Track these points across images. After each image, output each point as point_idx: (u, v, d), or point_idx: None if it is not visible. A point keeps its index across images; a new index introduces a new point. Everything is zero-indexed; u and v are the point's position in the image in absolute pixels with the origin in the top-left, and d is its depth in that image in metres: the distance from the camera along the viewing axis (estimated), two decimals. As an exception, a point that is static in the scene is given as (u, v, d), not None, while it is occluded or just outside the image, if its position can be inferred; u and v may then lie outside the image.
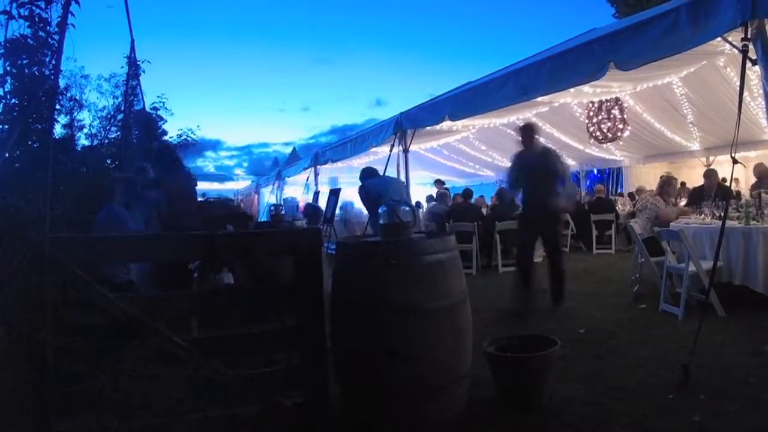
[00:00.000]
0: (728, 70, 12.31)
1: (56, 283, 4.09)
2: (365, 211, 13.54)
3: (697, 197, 12.27)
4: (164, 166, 8.96)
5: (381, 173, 13.46)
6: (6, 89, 6.86)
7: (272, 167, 39.36)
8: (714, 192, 11.87)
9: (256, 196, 37.74)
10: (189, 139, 17.97)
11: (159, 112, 16.06)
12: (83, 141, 14.09)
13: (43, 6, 6.91)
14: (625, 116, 15.10)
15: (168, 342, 4.16)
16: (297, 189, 28.28)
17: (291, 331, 4.81)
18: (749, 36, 6.15)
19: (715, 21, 6.33)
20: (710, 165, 19.15)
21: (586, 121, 15.92)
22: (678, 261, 9.13)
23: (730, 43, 6.83)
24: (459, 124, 14.00)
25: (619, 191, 24.84)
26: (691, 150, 20.40)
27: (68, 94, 12.61)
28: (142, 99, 14.69)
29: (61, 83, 10.37)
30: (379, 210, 6.22)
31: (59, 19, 6.69)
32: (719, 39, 6.77)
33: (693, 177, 19.64)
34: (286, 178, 28.73)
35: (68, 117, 12.91)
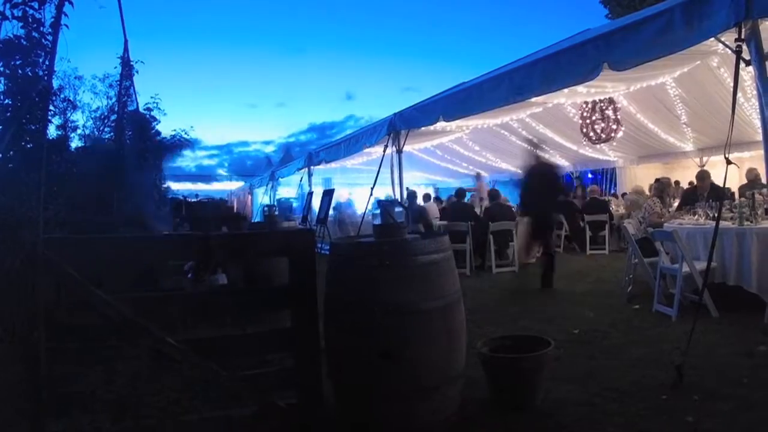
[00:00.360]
0: (722, 71, 12.32)
1: (50, 283, 4.08)
2: (359, 212, 13.56)
3: (690, 198, 12.29)
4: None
5: (374, 174, 13.52)
6: (-1, 90, 6.85)
7: (266, 167, 39.34)
8: (707, 193, 11.89)
9: (250, 197, 37.74)
10: (183, 139, 17.94)
11: (152, 113, 16.05)
12: (77, 142, 14.07)
13: (36, 6, 6.90)
14: (618, 117, 15.10)
15: (162, 343, 4.15)
16: (291, 190, 28.27)
17: (285, 331, 4.81)
18: (743, 36, 6.16)
19: (709, 21, 6.34)
20: (704, 165, 19.16)
21: (580, 121, 15.92)
22: (672, 262, 9.15)
23: (724, 44, 6.84)
24: (453, 124, 14.00)
25: (612, 192, 24.84)
26: (685, 151, 20.43)
27: (62, 95, 12.60)
28: (136, 99, 14.67)
29: (55, 84, 10.36)
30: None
31: (53, 19, 6.68)
32: (713, 39, 6.78)
33: (686, 177, 19.67)
34: (280, 179, 28.71)
35: (62, 118, 12.90)
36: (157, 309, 4.56)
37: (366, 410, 4.92)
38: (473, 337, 6.02)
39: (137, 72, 13.92)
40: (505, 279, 13.62)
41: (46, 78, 7.07)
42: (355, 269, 4.95)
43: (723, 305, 8.17)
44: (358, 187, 24.26)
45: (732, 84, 6.55)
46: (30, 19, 6.92)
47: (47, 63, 7.04)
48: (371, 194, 14.85)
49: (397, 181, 14.57)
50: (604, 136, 15.44)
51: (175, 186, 17.63)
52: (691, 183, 17.02)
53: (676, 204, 14.32)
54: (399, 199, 13.81)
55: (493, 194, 17.04)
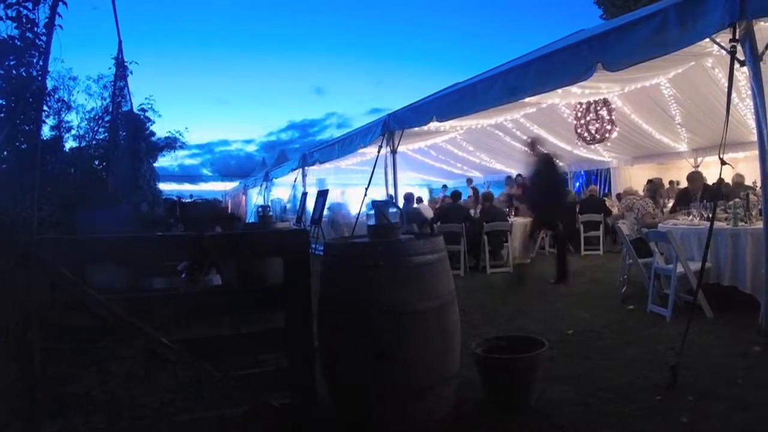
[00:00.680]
0: (716, 71, 12.33)
1: (44, 284, 4.07)
2: (353, 212, 13.58)
3: (684, 199, 12.29)
4: None
5: (369, 174, 13.54)
6: (-7, 90, 6.85)
7: (260, 168, 39.38)
8: (700, 194, 11.90)
9: (244, 198, 37.78)
10: (177, 140, 17.97)
11: (147, 114, 16.05)
12: (71, 143, 14.06)
13: (30, 7, 6.89)
14: (613, 117, 15.09)
15: (156, 343, 4.14)
16: (285, 190, 28.29)
17: (279, 331, 4.79)
18: (737, 37, 6.18)
19: (704, 21, 6.36)
20: (698, 166, 19.21)
21: (574, 122, 15.92)
22: (666, 262, 9.14)
23: (719, 45, 6.85)
24: (447, 125, 14.02)
25: (606, 192, 24.84)
26: (679, 151, 20.43)
27: (56, 96, 12.59)
28: (130, 100, 14.66)
29: (49, 84, 10.35)
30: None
31: (47, 20, 6.67)
32: (707, 40, 6.80)
33: (681, 178, 19.67)
34: (274, 180, 28.73)
35: (56, 118, 12.89)
36: (150, 309, 4.54)
37: (360, 410, 4.91)
38: (468, 338, 6.02)
39: (131, 73, 13.91)
40: (500, 279, 13.61)
41: (40, 78, 7.06)
42: (349, 269, 4.94)
43: (717, 306, 8.17)
44: (353, 188, 24.27)
45: (726, 84, 6.56)
46: (24, 20, 6.91)
47: (41, 63, 7.03)
48: (365, 195, 14.87)
49: (391, 181, 14.59)
50: (598, 136, 15.43)
51: (160, 186, 17.63)
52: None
53: (670, 204, 14.32)
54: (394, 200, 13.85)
55: (488, 196, 17.03)
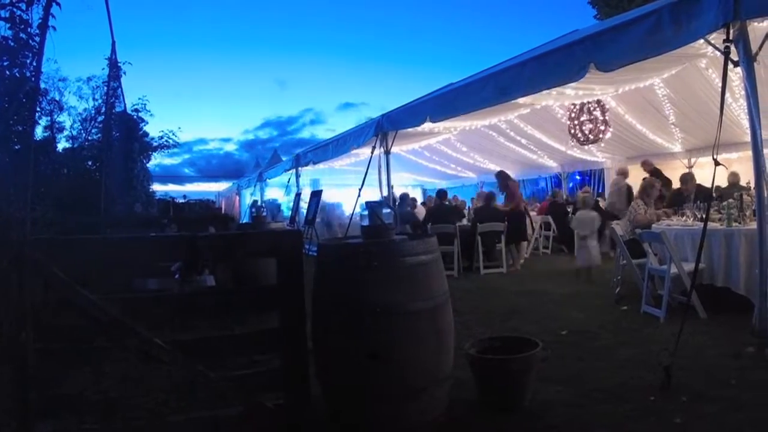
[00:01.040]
0: (710, 72, 12.33)
1: (37, 284, 4.06)
2: (347, 213, 13.60)
3: (677, 200, 12.30)
4: None
5: (362, 175, 13.54)
6: (-14, 91, 6.84)
7: (254, 168, 39.40)
8: (692, 195, 11.90)
9: (238, 198, 37.77)
10: (170, 140, 17.99)
11: (140, 114, 16.07)
12: (64, 143, 14.06)
13: (24, 8, 6.88)
14: (606, 118, 15.08)
15: (149, 344, 4.13)
16: (278, 191, 28.28)
17: (272, 332, 4.79)
18: (731, 37, 6.18)
19: (698, 22, 6.35)
20: (692, 167, 19.21)
21: (568, 122, 15.91)
22: (660, 263, 9.15)
23: (713, 45, 6.85)
24: (440, 125, 13.98)
25: (600, 191, 24.83)
26: (673, 152, 20.42)
27: (48, 96, 12.59)
28: (123, 101, 14.66)
29: (42, 85, 10.34)
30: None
31: (40, 20, 6.66)
32: (701, 41, 6.79)
33: (674, 178, 19.63)
34: (268, 180, 28.72)
35: (49, 119, 12.89)
36: (144, 310, 4.53)
37: (354, 411, 4.91)
38: (461, 338, 6.03)
39: (125, 73, 13.91)
40: (494, 280, 13.61)
41: (33, 79, 7.05)
42: (342, 270, 4.94)
43: (711, 306, 8.18)
44: (347, 188, 24.25)
45: (720, 85, 6.56)
46: (17, 20, 6.90)
47: (35, 64, 7.02)
48: (359, 195, 14.87)
49: (385, 182, 14.58)
50: (592, 137, 15.42)
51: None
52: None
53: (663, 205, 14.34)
54: (388, 200, 13.84)
55: (482, 196, 17.03)
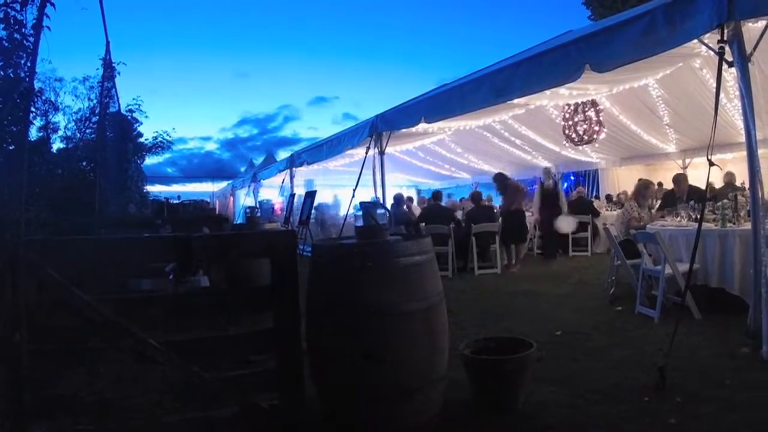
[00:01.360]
0: (704, 72, 12.33)
1: (31, 285, 4.05)
2: (341, 213, 13.61)
3: (670, 201, 12.31)
4: None
5: (357, 175, 13.54)
6: (-20, 91, 6.83)
7: (247, 169, 39.43)
8: (685, 195, 11.91)
9: (232, 199, 37.78)
10: (164, 141, 17.99)
11: (134, 114, 16.05)
12: (58, 144, 14.04)
13: (18, 8, 6.87)
14: (601, 118, 15.09)
15: (144, 344, 4.13)
16: (273, 191, 28.28)
17: (267, 332, 4.78)
18: (725, 38, 6.18)
19: (692, 22, 6.36)
20: (686, 167, 19.26)
21: (562, 123, 15.92)
22: (654, 263, 9.15)
23: (707, 46, 6.86)
24: (435, 126, 13.99)
25: (594, 194, 24.84)
26: (667, 152, 20.44)
27: (43, 97, 12.57)
28: (117, 101, 14.65)
29: (36, 86, 10.33)
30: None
31: (34, 21, 6.65)
32: (695, 41, 6.80)
33: (669, 179, 19.68)
34: (262, 181, 28.72)
35: (43, 119, 12.87)
36: (138, 310, 4.53)
37: (348, 411, 4.91)
38: (456, 339, 6.03)
39: (119, 74, 13.88)
40: (488, 280, 13.62)
41: (27, 79, 7.04)
42: (337, 271, 4.94)
43: (705, 307, 8.19)
44: (341, 189, 24.26)
45: (715, 85, 6.56)
46: (12, 21, 6.89)
47: (29, 64, 7.01)
48: (353, 196, 14.87)
49: (379, 182, 14.58)
50: (586, 137, 15.42)
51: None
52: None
53: (657, 205, 14.34)
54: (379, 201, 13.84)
55: (476, 196, 17.02)
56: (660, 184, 20.00)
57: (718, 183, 15.69)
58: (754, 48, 6.45)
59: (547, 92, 10.51)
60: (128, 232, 11.11)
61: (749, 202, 7.11)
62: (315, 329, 5.01)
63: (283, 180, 24.30)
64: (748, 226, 7.56)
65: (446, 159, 24.63)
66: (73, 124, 14.45)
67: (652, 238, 8.68)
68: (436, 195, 17.15)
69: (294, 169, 22.52)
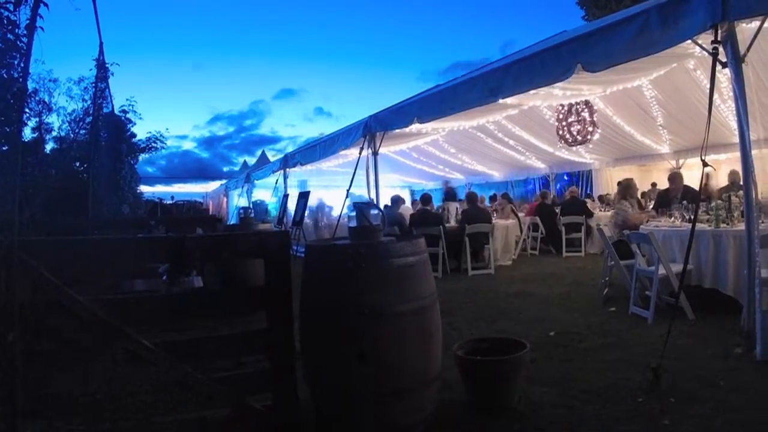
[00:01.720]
0: (698, 73, 12.37)
1: (25, 286, 4.04)
2: (335, 214, 13.60)
3: (664, 200, 12.31)
4: None
5: (350, 176, 13.55)
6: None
7: (241, 170, 39.44)
8: (680, 195, 11.92)
9: (225, 199, 37.76)
10: (158, 142, 18.00)
11: (128, 115, 16.06)
12: (52, 144, 14.03)
13: (11, 9, 6.85)
14: (594, 119, 15.12)
15: (137, 345, 4.12)
16: (266, 192, 28.27)
17: (260, 333, 4.77)
18: (719, 38, 6.19)
19: (686, 23, 6.36)
20: (680, 168, 19.29)
21: (556, 123, 15.95)
22: (648, 264, 9.15)
23: (700, 46, 6.86)
24: (428, 126, 13.99)
25: (587, 192, 24.86)
26: (661, 153, 20.49)
27: (37, 97, 12.56)
28: (111, 101, 14.64)
29: (30, 86, 10.31)
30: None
31: (28, 21, 6.64)
32: (689, 42, 6.80)
33: (662, 180, 19.71)
34: (255, 181, 28.72)
35: (37, 120, 12.86)
36: (132, 311, 4.52)
37: (342, 412, 4.90)
38: (449, 340, 6.02)
39: (112, 74, 13.88)
40: (482, 281, 13.62)
41: (21, 80, 7.03)
42: (330, 271, 4.93)
43: (699, 307, 8.20)
44: (334, 189, 24.26)
45: (708, 86, 6.57)
46: (5, 21, 6.87)
47: (22, 65, 7.00)
48: (347, 196, 14.88)
49: (372, 183, 14.58)
50: (580, 138, 15.46)
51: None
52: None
53: (650, 205, 14.35)
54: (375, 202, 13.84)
55: (470, 197, 17.01)
56: (654, 185, 20.04)
57: (721, 182, 15.71)
58: (748, 49, 6.45)
59: (541, 92, 10.52)
60: (122, 232, 11.11)
61: (743, 202, 7.11)
62: (308, 330, 5.00)
63: (277, 181, 24.29)
64: (741, 226, 7.57)
65: (440, 159, 24.68)
66: (67, 125, 14.46)
67: (645, 239, 8.68)
68: (425, 199, 17.03)
69: (287, 169, 22.51)
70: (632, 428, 4.85)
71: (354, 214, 5.55)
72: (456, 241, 15.22)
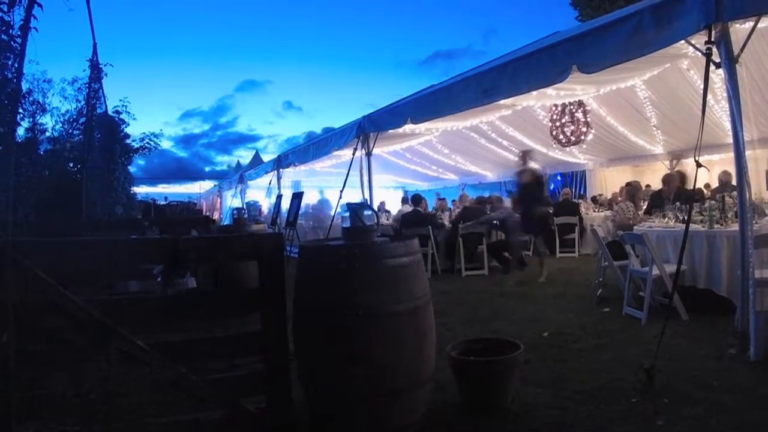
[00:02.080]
0: (692, 73, 12.38)
1: (19, 286, 4.03)
2: (331, 214, 13.62)
3: (657, 202, 12.32)
4: None
5: (344, 176, 13.56)
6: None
7: (235, 170, 39.45)
8: (673, 196, 11.93)
9: (219, 200, 37.74)
10: (152, 143, 18.01)
11: (121, 116, 16.05)
12: (46, 145, 14.03)
13: (5, 9, 6.84)
14: (588, 119, 15.12)
15: (131, 345, 4.11)
16: (260, 192, 28.26)
17: (254, 335, 4.77)
18: (713, 39, 6.18)
19: (679, 23, 6.36)
20: (674, 168, 19.26)
21: (550, 124, 15.95)
22: (642, 264, 9.15)
23: (694, 47, 6.85)
24: (422, 127, 13.97)
25: (581, 192, 24.86)
26: (655, 153, 20.50)
27: (30, 98, 12.55)
28: (104, 102, 14.64)
29: (24, 87, 10.30)
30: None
31: (22, 22, 6.63)
32: (683, 42, 6.80)
33: (656, 181, 19.72)
34: (249, 182, 28.70)
35: (31, 120, 12.85)
36: (126, 312, 4.51)
37: (336, 413, 4.89)
38: (443, 340, 6.01)
39: (106, 75, 13.87)
40: (475, 282, 13.62)
41: (15, 80, 7.02)
42: (324, 272, 4.93)
43: (693, 308, 8.20)
44: (328, 190, 24.25)
45: (702, 86, 6.57)
46: (-1, 22, 6.86)
47: (16, 66, 6.99)
48: (340, 197, 14.87)
49: (366, 184, 14.58)
50: (573, 138, 15.45)
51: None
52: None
53: (644, 207, 14.39)
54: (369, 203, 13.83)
55: (465, 198, 17.02)
56: (647, 186, 20.06)
57: (712, 184, 15.73)
58: (742, 49, 6.45)
59: (534, 93, 10.50)
60: (116, 233, 11.10)
61: (736, 203, 7.12)
62: (302, 331, 5.00)
63: (270, 181, 24.28)
64: (735, 227, 7.57)
65: (433, 160, 24.65)
66: (60, 125, 14.45)
67: (639, 239, 8.68)
68: (416, 200, 16.96)
69: (281, 170, 22.49)
70: (626, 429, 4.85)
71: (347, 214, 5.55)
72: (450, 241, 15.24)
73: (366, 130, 13.90)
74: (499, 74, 9.38)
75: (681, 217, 9.65)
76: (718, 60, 6.37)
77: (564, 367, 6.58)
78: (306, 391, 5.08)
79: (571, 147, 17.77)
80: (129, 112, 16.12)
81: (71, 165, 13.54)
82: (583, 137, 15.43)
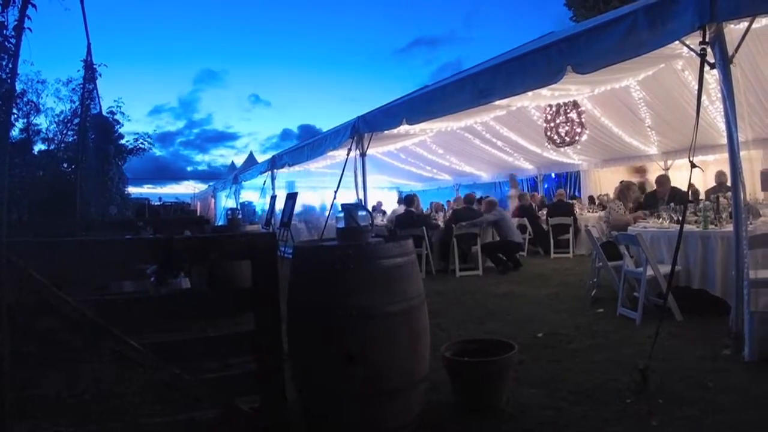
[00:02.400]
0: (686, 74, 12.38)
1: (13, 286, 4.02)
2: (326, 214, 13.62)
3: (651, 202, 12.33)
4: None
5: (338, 177, 13.54)
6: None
7: (229, 171, 39.44)
8: (667, 197, 11.93)
9: (213, 201, 37.73)
10: (145, 143, 18.01)
11: (116, 116, 16.04)
12: (40, 145, 14.01)
13: (0, 10, 6.84)
14: (582, 120, 15.13)
15: (125, 346, 4.10)
16: (254, 193, 28.25)
17: (248, 335, 4.76)
18: (707, 39, 6.18)
19: (674, 24, 6.36)
20: (668, 169, 19.31)
21: (544, 124, 15.96)
22: (636, 265, 9.15)
23: (689, 47, 6.87)
24: (416, 128, 13.98)
25: (576, 195, 24.87)
26: (649, 154, 20.50)
27: (25, 98, 12.54)
28: (99, 103, 14.62)
29: (18, 87, 10.29)
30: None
31: (16, 22, 6.62)
32: (677, 42, 6.80)
33: (651, 181, 19.76)
34: (243, 182, 28.70)
35: (25, 121, 12.83)
36: (120, 312, 4.50)
37: (330, 413, 4.89)
38: (437, 341, 6.01)
39: (100, 75, 13.85)
40: (470, 282, 13.62)
41: (9, 81, 7.01)
42: (318, 272, 4.92)
43: (687, 309, 8.20)
44: (323, 190, 24.24)
45: (696, 87, 6.57)
46: (-6, 23, 6.85)
47: (10, 66, 6.99)
48: (335, 197, 14.87)
49: (360, 184, 14.58)
50: (568, 139, 15.47)
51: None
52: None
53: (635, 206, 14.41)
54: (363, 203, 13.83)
55: (470, 198, 17.03)
56: (642, 186, 20.07)
57: (700, 185, 15.74)
58: (736, 50, 6.46)
59: (529, 93, 10.51)
60: (110, 233, 11.08)
61: (731, 203, 7.12)
62: (296, 331, 4.99)
63: (264, 182, 24.28)
64: (730, 227, 7.58)
65: (427, 161, 24.69)
66: (54, 125, 14.44)
67: (633, 240, 8.68)
68: (408, 201, 16.93)
69: (275, 170, 22.49)
70: (620, 429, 4.84)
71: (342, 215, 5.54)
72: (444, 242, 15.26)
73: (360, 131, 13.89)
74: (494, 75, 9.38)
75: (675, 218, 9.65)
76: (712, 60, 6.37)
77: (558, 368, 6.57)
78: (300, 391, 5.07)
79: (566, 147, 17.80)
80: (123, 113, 16.13)
81: (65, 165, 13.54)
82: (577, 138, 15.45)
